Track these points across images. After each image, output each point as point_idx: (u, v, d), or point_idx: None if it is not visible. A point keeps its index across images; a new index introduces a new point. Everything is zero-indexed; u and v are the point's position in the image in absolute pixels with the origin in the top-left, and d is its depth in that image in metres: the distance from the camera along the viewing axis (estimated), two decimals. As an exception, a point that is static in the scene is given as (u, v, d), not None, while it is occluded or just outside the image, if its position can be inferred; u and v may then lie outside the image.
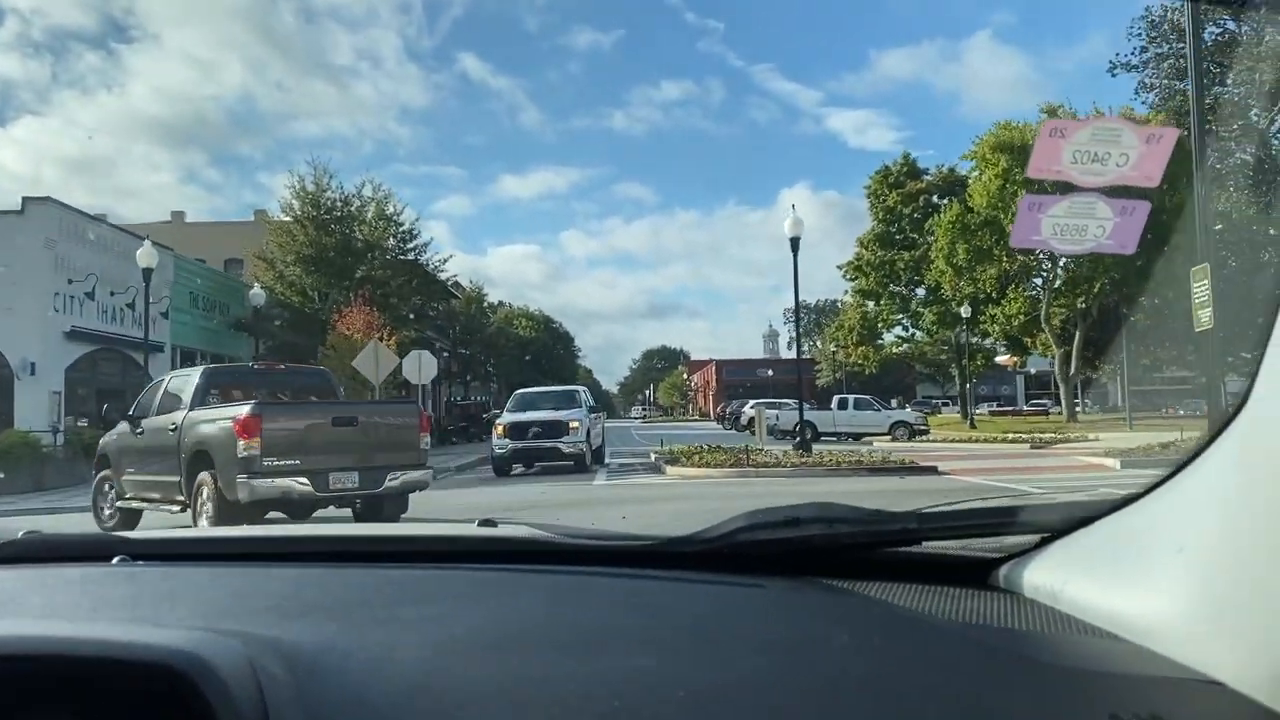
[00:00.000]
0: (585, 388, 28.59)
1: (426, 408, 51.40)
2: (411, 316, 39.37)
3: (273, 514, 11.04)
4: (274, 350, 37.04)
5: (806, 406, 35.63)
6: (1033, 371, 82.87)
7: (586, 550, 1.54)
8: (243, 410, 10.94)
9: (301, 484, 10.94)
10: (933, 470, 18.79)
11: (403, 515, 11.98)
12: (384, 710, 0.91)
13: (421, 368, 26.48)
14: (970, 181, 47.72)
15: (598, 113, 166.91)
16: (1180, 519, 1.02)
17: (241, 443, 10.63)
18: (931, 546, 1.39)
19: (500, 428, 23.36)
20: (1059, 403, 71.11)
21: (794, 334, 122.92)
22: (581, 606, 1.24)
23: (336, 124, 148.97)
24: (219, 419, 11.22)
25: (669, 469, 21.17)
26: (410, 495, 12.15)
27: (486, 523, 1.81)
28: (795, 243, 23.78)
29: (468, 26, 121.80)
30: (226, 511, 10.60)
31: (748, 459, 19.94)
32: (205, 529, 3.26)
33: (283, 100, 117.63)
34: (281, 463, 10.87)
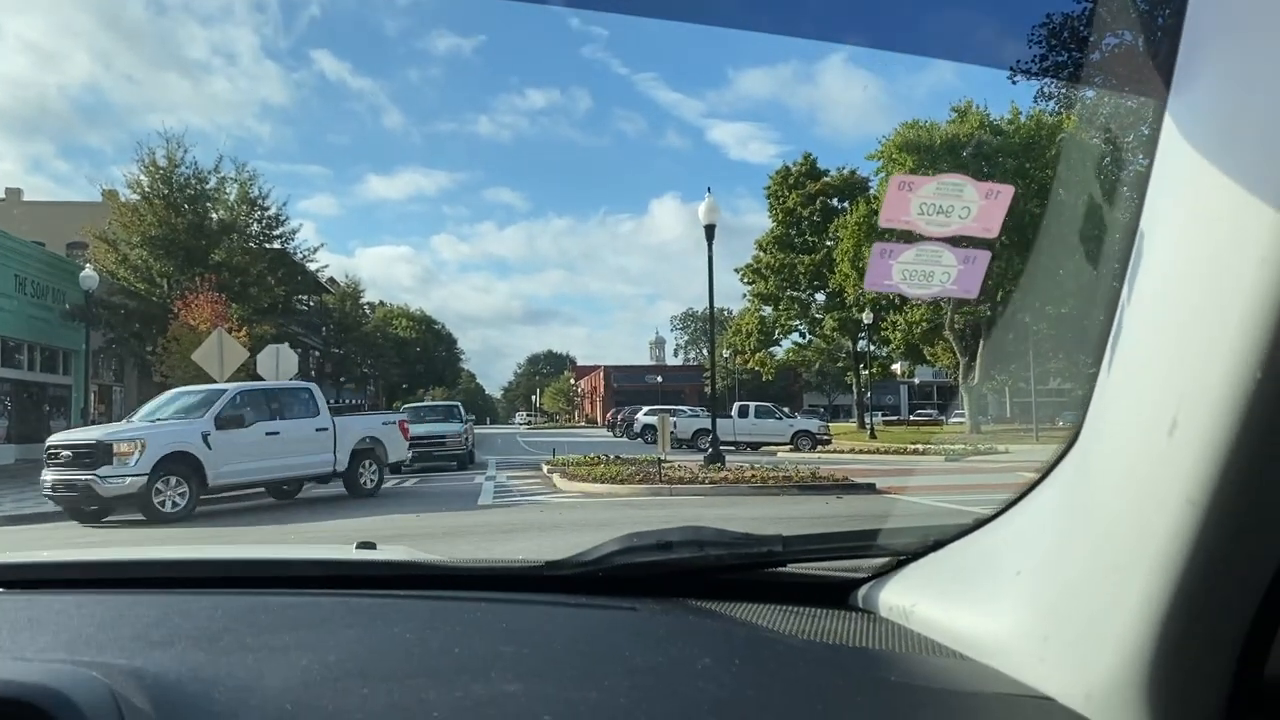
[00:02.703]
0: (312, 386, 18.39)
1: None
2: (270, 307, 35.38)
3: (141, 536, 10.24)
4: (113, 341, 32.86)
5: (705, 414, 33.67)
6: (917, 381, 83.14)
7: (462, 574, 1.58)
8: None
9: None
10: (870, 488, 16.46)
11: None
12: None
13: (279, 364, 22.97)
14: (876, 182, 46.54)
15: (462, 118, 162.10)
16: (1020, 543, 1.13)
17: None
18: (797, 568, 1.50)
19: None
20: (943, 412, 71.53)
21: (680, 342, 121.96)
22: (455, 632, 1.24)
23: (192, 119, 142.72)
24: None
25: (568, 484, 18.27)
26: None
27: (365, 545, 1.84)
28: (710, 230, 21.35)
29: (325, 27, 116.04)
30: None
31: (659, 474, 17.28)
32: (69, 553, 2.00)
33: (134, 93, 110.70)
34: None
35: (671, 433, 28.27)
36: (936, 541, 1.36)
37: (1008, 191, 1.25)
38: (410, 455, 21.79)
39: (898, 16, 1.42)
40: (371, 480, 17.77)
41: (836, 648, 1.23)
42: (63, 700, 0.89)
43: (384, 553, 1.82)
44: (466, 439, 25.88)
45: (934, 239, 1.27)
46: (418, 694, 1.00)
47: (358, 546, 1.85)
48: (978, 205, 1.25)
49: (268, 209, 36.12)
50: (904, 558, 1.41)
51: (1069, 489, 1.04)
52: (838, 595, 1.48)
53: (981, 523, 1.27)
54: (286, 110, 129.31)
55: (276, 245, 37.19)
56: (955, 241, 1.27)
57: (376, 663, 1.10)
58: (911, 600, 1.31)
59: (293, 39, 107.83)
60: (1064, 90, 42.07)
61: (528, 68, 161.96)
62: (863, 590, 1.45)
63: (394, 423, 19.06)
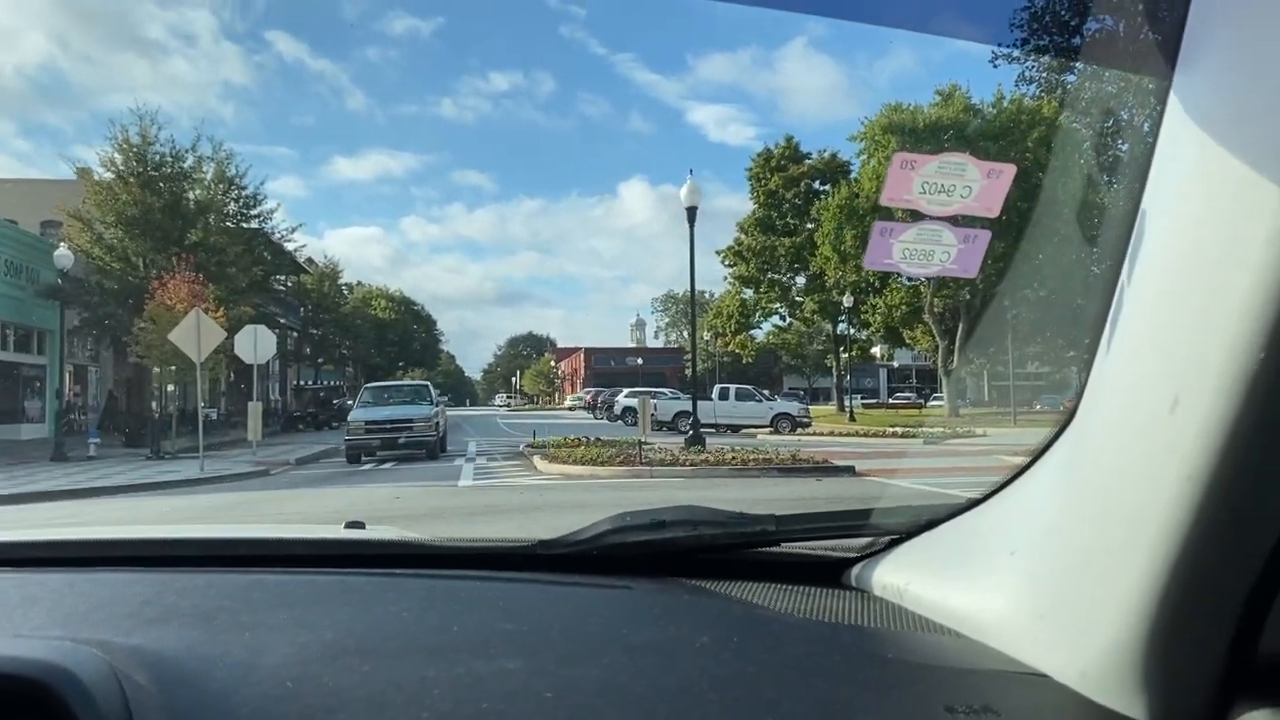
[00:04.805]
0: None
1: (272, 391, 47.67)
2: (248, 288, 35.06)
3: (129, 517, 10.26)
4: (88, 322, 32.49)
5: (685, 396, 33.71)
6: (896, 365, 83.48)
7: (455, 553, 1.57)
8: None
9: None
10: (850, 471, 16.54)
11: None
12: (250, 717, 0.90)
13: (257, 344, 22.87)
14: (858, 165, 46.55)
15: (424, 100, 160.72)
16: (1014, 523, 1.13)
17: None
18: (790, 547, 1.50)
19: None
20: (922, 396, 71.85)
21: (661, 324, 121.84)
22: (451, 610, 1.24)
23: (152, 99, 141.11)
24: None
25: (548, 467, 18.27)
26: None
27: (354, 525, 1.83)
28: (692, 213, 21.30)
29: (282, 9, 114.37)
30: None
31: (639, 456, 17.30)
32: (59, 532, 2.14)
33: (92, 73, 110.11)
34: None
35: (652, 415, 28.29)
36: (930, 521, 1.36)
37: (1009, 171, 1.24)
38: (373, 443, 21.13)
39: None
40: None
41: (833, 625, 1.23)
42: (67, 676, 0.88)
43: (375, 532, 1.81)
44: (437, 423, 23.44)
45: (935, 217, 1.26)
46: (418, 671, 1.00)
47: (346, 526, 1.84)
48: (979, 184, 1.24)
49: (245, 188, 35.77)
50: (897, 537, 1.41)
51: (1065, 468, 1.03)
52: (830, 574, 1.48)
53: (975, 503, 1.27)
54: (249, 91, 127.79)
55: (254, 225, 36.86)
56: (956, 221, 1.27)
57: (375, 640, 1.09)
58: (905, 579, 1.31)
59: (251, 20, 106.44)
60: (1045, 74, 42.24)
61: (489, 50, 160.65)
62: (855, 569, 1.46)
63: None
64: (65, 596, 1.28)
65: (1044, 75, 42.20)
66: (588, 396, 59.21)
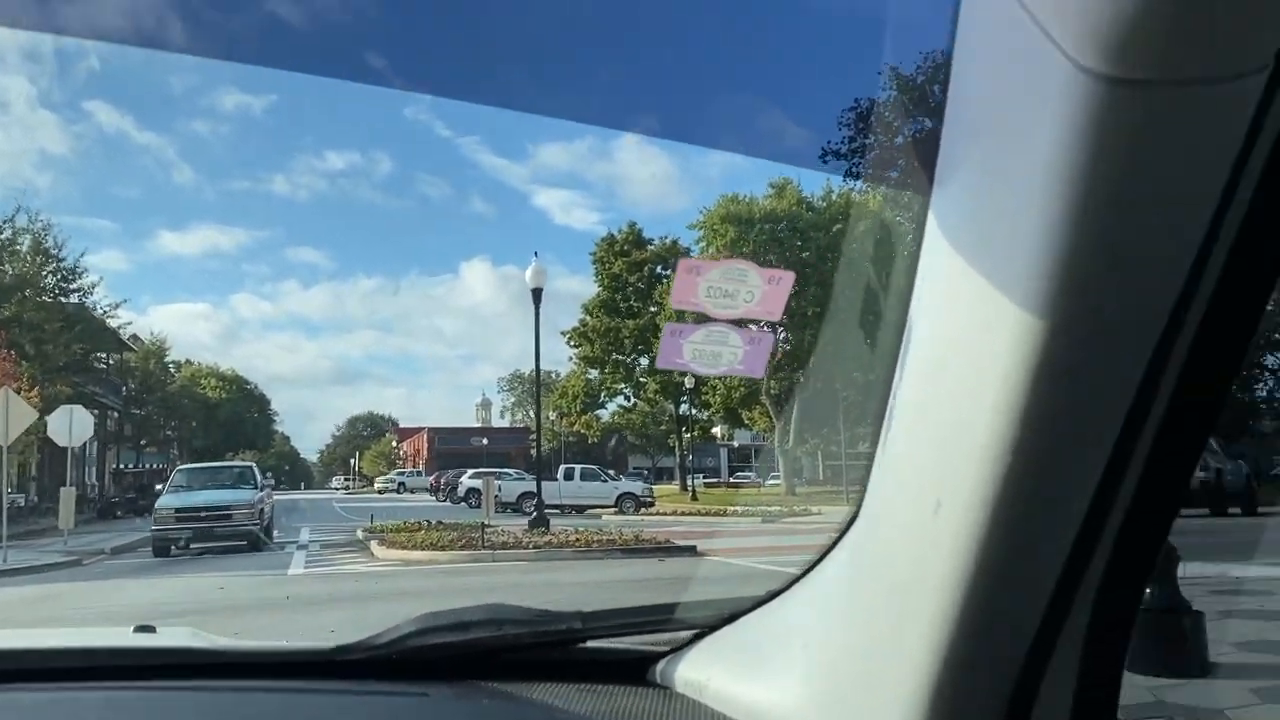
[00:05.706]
0: None
1: (88, 475, 44.68)
2: (66, 366, 33.09)
3: None
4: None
5: (531, 476, 33.54)
6: (736, 444, 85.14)
7: (248, 660, 1.53)
8: None
9: None
10: (692, 550, 16.72)
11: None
12: None
13: (73, 426, 21.51)
14: (698, 251, 47.86)
15: (256, 176, 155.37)
16: (806, 616, 1.14)
17: None
18: (596, 644, 1.47)
19: None
20: (759, 475, 73.39)
21: (507, 404, 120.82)
22: None
23: None
24: None
25: (386, 553, 17.71)
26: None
27: (144, 629, 1.72)
28: (537, 294, 21.48)
29: (105, 79, 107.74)
30: None
31: (481, 540, 17.02)
32: None
33: None
34: None
35: (496, 496, 27.88)
36: (732, 614, 1.35)
37: (789, 277, 1.32)
38: (185, 534, 18.91)
39: (681, 106, 1.52)
40: None
41: None
42: None
43: (162, 637, 1.71)
44: (261, 510, 20.71)
45: (721, 320, 1.33)
46: None
47: (136, 629, 1.72)
48: (761, 290, 1.30)
49: (63, 260, 34.05)
50: (701, 631, 1.40)
51: (850, 564, 1.06)
52: (636, 671, 1.45)
53: (774, 594, 1.28)
54: (67, 160, 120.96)
55: (74, 299, 35.02)
56: (742, 323, 1.34)
57: None
58: (706, 675, 1.29)
59: (70, 90, 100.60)
60: (871, 170, 44.86)
61: (325, 129, 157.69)
62: (660, 665, 1.43)
63: None
64: None
65: (869, 170, 44.88)
66: (433, 478, 57.86)
